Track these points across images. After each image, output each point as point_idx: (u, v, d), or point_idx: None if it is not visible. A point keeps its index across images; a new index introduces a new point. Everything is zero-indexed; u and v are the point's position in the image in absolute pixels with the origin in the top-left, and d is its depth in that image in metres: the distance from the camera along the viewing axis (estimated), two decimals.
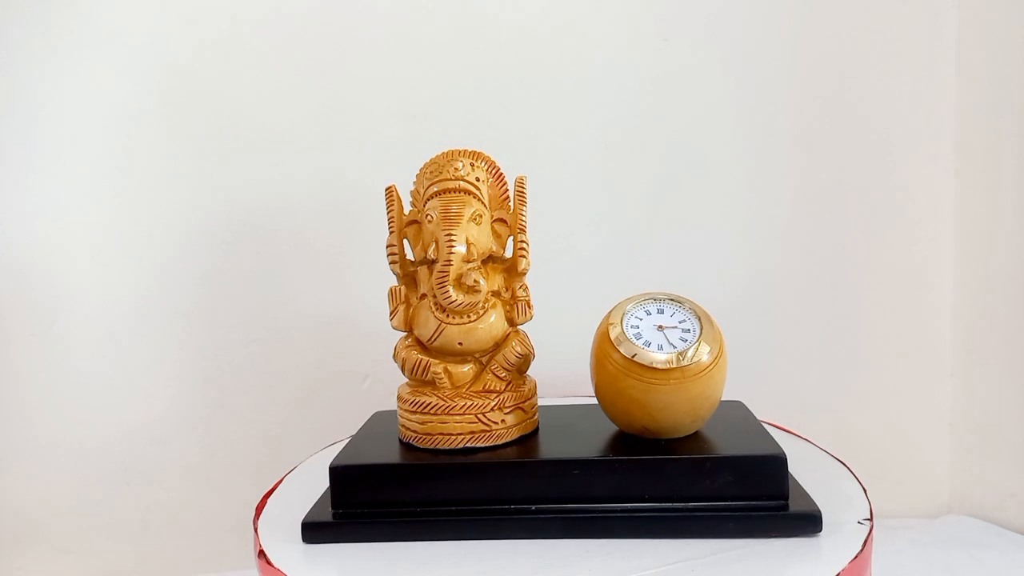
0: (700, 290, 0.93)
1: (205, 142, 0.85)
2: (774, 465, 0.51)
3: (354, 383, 0.90)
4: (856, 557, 0.47)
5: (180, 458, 0.87)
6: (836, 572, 0.45)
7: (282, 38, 0.85)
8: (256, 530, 0.55)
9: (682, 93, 0.91)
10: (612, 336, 0.53)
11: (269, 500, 0.61)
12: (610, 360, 0.53)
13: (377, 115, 0.87)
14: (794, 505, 0.51)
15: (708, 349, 0.52)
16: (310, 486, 0.61)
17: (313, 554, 0.51)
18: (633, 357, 0.51)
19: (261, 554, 0.51)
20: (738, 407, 0.63)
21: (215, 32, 0.84)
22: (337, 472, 0.53)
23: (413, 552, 0.50)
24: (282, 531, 0.54)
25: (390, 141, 0.87)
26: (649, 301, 0.56)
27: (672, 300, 0.56)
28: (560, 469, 0.52)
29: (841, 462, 0.64)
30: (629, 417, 0.54)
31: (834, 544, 0.49)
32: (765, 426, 0.58)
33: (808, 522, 0.50)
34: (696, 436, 0.55)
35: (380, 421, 0.64)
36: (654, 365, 0.51)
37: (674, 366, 0.51)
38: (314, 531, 0.52)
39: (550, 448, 0.55)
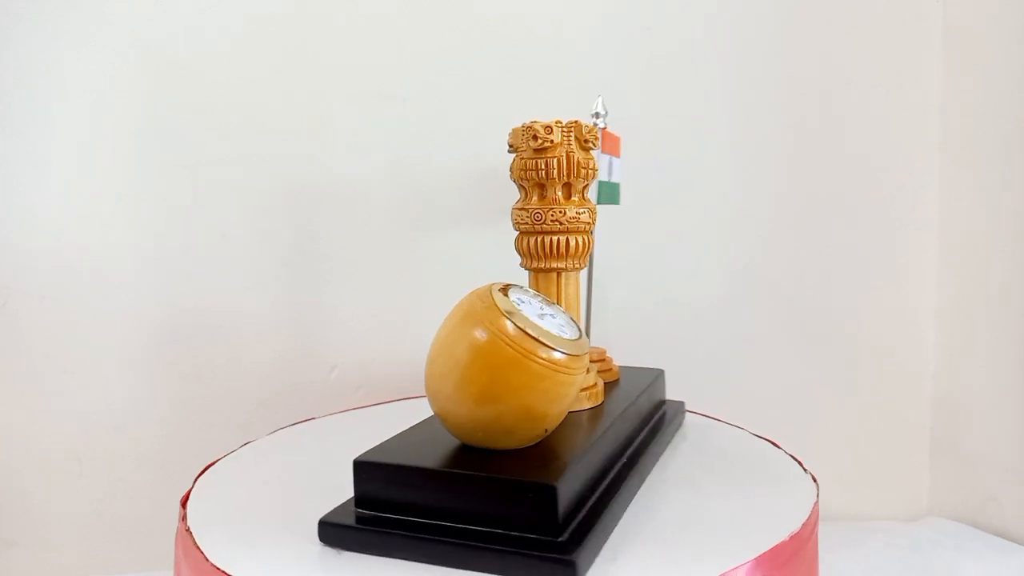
0: (682, 289, 0.92)
1: (170, 121, 0.82)
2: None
3: (320, 373, 0.87)
4: None
5: (137, 446, 0.84)
6: None
7: (257, 20, 0.83)
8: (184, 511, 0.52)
9: (667, 93, 0.89)
10: (504, 310, 0.44)
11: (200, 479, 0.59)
12: (507, 339, 0.43)
13: (352, 97, 0.85)
14: None
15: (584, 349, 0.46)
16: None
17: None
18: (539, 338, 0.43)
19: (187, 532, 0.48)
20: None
21: (189, 13, 0.82)
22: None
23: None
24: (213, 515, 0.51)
25: (363, 125, 0.85)
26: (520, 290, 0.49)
27: (541, 298, 0.50)
28: None
29: (796, 460, 0.60)
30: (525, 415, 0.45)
31: None
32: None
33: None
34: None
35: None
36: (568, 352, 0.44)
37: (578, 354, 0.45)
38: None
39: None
